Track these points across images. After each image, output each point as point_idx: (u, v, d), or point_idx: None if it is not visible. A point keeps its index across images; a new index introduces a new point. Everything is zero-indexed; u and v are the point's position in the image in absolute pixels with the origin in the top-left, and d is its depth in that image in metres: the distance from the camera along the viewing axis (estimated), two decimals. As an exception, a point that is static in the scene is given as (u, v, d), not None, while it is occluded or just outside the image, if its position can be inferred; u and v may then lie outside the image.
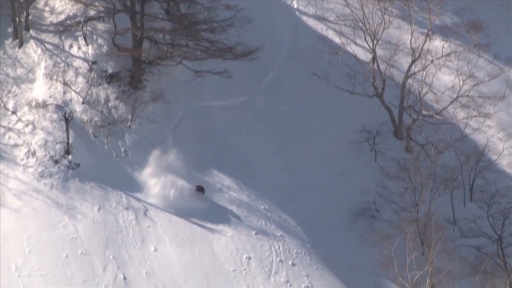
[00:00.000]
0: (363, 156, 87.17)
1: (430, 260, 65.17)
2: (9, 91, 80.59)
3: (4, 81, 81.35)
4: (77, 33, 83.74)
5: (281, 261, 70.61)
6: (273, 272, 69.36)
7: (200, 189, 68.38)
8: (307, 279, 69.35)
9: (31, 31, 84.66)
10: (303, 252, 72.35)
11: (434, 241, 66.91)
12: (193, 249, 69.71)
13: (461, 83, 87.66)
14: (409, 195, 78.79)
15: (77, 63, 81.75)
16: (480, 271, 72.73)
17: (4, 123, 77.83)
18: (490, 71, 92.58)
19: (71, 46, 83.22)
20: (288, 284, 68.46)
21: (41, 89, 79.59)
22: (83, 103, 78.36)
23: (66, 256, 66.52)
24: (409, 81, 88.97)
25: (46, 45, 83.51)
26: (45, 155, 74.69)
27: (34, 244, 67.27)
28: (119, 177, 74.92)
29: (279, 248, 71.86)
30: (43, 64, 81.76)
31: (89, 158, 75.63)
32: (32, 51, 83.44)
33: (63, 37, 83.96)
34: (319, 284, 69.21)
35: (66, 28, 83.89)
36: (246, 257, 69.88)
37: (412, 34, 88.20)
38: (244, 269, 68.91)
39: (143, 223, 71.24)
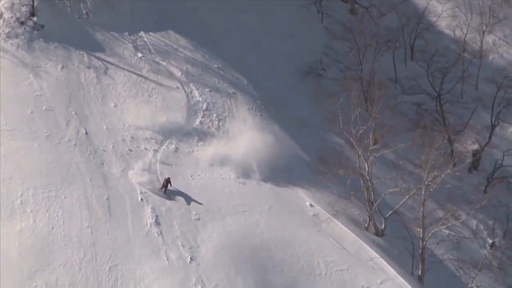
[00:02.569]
0: (310, 19, 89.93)
1: (373, 116, 68.16)
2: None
3: None
4: None
5: (233, 117, 74.19)
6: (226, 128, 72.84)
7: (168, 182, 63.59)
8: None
9: None
10: (253, 109, 75.98)
11: (377, 98, 69.29)
12: (149, 105, 72.60)
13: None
14: (354, 55, 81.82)
15: None
16: (420, 126, 77.65)
17: (-32, -15, 78.46)
18: None
19: None
20: (240, 137, 72.10)
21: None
22: (46, -34, 79.19)
23: (32, 112, 68.17)
24: None
25: None
26: (12, 17, 76.37)
27: (1, 101, 68.70)
28: (81, 38, 76.81)
29: (231, 104, 75.38)
30: None
31: (53, 20, 77.22)
32: None
33: None
34: (269, 138, 72.34)
35: None
36: (195, 109, 73.41)
37: None
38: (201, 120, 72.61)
39: (103, 81, 73.70)
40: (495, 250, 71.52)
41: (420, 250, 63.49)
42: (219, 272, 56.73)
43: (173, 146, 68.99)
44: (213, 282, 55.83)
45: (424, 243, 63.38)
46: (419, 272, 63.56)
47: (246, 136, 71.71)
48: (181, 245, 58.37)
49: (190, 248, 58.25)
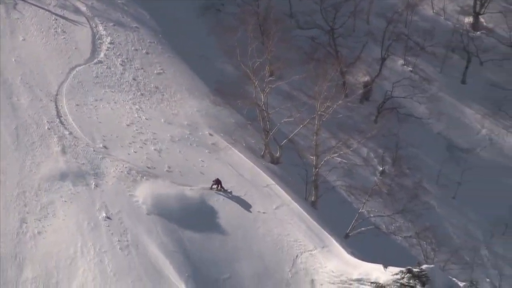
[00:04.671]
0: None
1: (269, 49, 69.71)
2: None
3: None
4: None
5: (136, 49, 75.57)
6: (129, 60, 74.11)
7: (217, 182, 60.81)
8: (159, 66, 74.55)
9: None
10: (155, 42, 77.42)
11: (273, 32, 70.93)
12: (57, 38, 73.44)
13: None
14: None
15: None
16: (314, 59, 79.21)
17: None
18: None
19: None
20: (142, 70, 73.26)
21: None
22: None
23: None
24: None
25: None
26: None
27: None
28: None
29: (134, 38, 76.68)
30: None
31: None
32: None
33: None
34: (170, 71, 74.38)
35: None
36: (100, 42, 74.32)
37: None
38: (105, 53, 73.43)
39: (12, 15, 74.42)
40: (384, 177, 74.13)
41: (314, 177, 65.52)
42: (123, 198, 58.23)
43: (78, 79, 70.01)
44: (117, 208, 57.39)
45: (317, 170, 65.42)
46: (313, 198, 65.73)
47: (148, 68, 73.14)
48: (86, 172, 59.76)
49: (95, 175, 59.76)
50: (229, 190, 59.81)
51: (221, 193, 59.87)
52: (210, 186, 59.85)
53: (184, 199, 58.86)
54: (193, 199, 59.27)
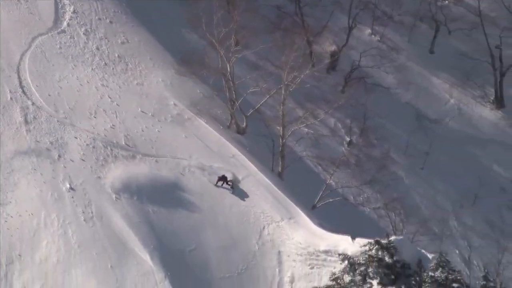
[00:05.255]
0: None
1: (234, 18, 68.84)
2: None
3: None
4: None
5: (99, 19, 74.34)
6: (92, 29, 73.02)
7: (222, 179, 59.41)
8: (123, 36, 73.58)
9: None
10: (119, 11, 76.21)
11: (238, 1, 70.35)
12: (20, 9, 72.68)
13: None
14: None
15: None
16: (280, 28, 78.77)
17: None
18: None
19: None
20: (106, 40, 72.36)
21: None
22: None
23: None
24: None
25: None
26: None
27: None
28: None
29: (97, 7, 75.37)
30: None
31: None
32: None
33: None
34: (134, 40, 73.54)
35: None
36: (63, 11, 73.27)
37: None
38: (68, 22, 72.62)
39: (-29, -17, 73.08)
40: (352, 148, 73.88)
41: (280, 148, 65.26)
42: (87, 170, 58.02)
43: (41, 48, 69.23)
44: (80, 178, 57.21)
45: (284, 140, 65.17)
46: (279, 169, 65.42)
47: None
48: (49, 142, 59.60)
49: (58, 146, 59.51)
50: (231, 186, 58.92)
51: (227, 187, 58.86)
52: (215, 182, 58.78)
53: (150, 174, 58.74)
54: (159, 174, 59.06)
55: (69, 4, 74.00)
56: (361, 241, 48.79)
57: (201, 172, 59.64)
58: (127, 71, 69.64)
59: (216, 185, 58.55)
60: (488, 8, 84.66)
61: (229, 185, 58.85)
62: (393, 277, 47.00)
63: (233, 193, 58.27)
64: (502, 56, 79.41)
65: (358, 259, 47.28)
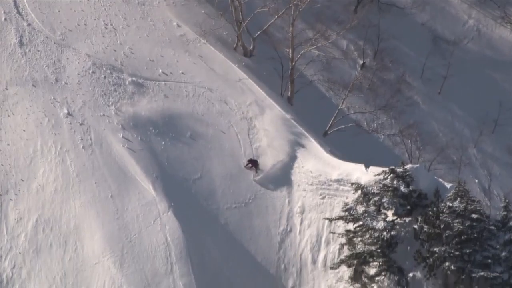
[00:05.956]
0: None
1: None
2: None
3: None
4: None
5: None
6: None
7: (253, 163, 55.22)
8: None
9: None
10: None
11: None
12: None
13: None
14: None
15: None
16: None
17: None
18: None
19: None
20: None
21: None
22: None
23: None
24: None
25: None
26: None
27: None
28: None
29: None
30: None
31: None
32: None
33: None
34: None
35: None
36: None
37: None
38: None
39: None
40: (365, 71, 72.28)
41: (290, 71, 63.73)
42: (84, 93, 56.69)
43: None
44: (78, 104, 55.77)
45: (293, 63, 63.56)
46: (289, 93, 63.99)
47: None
48: (45, 65, 58.27)
49: (55, 69, 58.24)
50: (260, 169, 54.87)
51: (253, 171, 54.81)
52: (245, 164, 54.84)
53: (152, 99, 57.25)
54: (161, 99, 57.55)
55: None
56: (375, 170, 47.79)
57: (205, 97, 57.89)
58: (128, -9, 68.06)
59: (245, 166, 54.88)
60: None
61: (257, 171, 54.81)
62: (408, 207, 46.60)
63: (254, 178, 54.56)
64: (523, -25, 77.52)
65: (372, 189, 46.58)
